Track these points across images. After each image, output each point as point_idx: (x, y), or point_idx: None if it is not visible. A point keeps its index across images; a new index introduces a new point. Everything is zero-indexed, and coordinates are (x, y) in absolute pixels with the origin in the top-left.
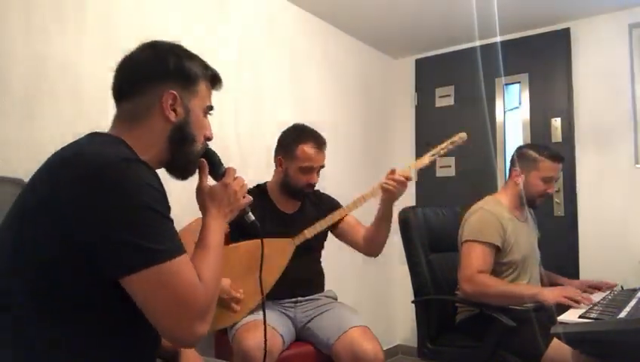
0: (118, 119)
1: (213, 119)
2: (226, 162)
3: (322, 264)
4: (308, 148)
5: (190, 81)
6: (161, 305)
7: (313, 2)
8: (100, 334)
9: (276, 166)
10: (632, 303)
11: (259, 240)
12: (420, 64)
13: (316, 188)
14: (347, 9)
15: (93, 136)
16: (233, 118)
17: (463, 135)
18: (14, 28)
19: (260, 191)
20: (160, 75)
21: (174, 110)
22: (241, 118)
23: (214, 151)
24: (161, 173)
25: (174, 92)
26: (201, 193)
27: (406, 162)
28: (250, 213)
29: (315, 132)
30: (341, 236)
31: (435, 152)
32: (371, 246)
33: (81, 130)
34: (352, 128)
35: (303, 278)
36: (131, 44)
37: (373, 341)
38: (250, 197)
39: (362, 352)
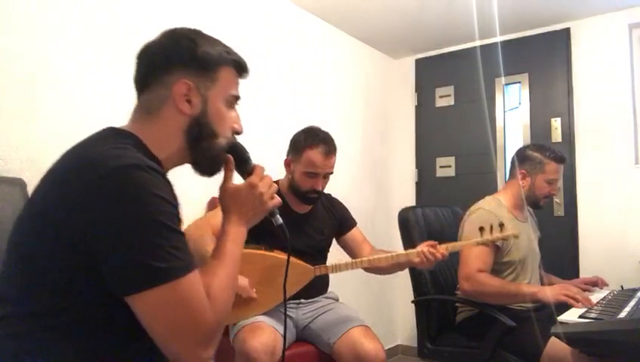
0: (135, 112)
1: None
2: None
3: None
4: (314, 154)
5: (207, 68)
6: (164, 327)
7: (313, 2)
8: (104, 349)
9: (285, 166)
10: (632, 303)
11: (285, 258)
12: (419, 64)
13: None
14: (347, 9)
15: (106, 134)
16: None
17: (517, 234)
18: (14, 27)
19: None
20: (171, 63)
21: (189, 101)
22: (240, 118)
23: (243, 146)
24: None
25: (188, 81)
26: (224, 193)
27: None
28: (278, 216)
29: (327, 138)
30: (344, 247)
31: (484, 241)
32: (371, 271)
33: (81, 130)
34: (352, 128)
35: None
36: (131, 44)
37: (374, 340)
38: (279, 199)
39: (364, 351)
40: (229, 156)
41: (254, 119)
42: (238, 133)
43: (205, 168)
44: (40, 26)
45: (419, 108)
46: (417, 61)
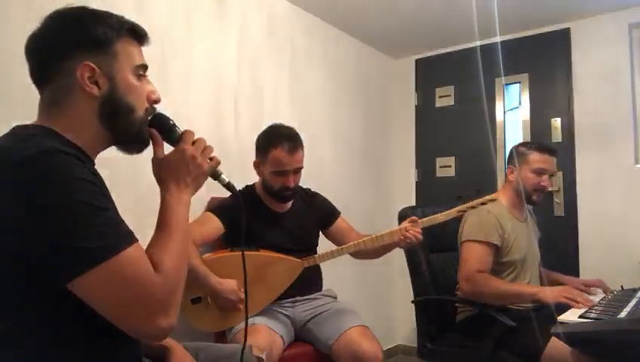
0: (42, 105)
1: (212, 118)
2: (226, 164)
3: (323, 264)
4: (279, 153)
5: (104, 45)
6: (113, 305)
7: (313, 2)
8: (66, 343)
9: (254, 168)
10: (632, 303)
11: (273, 256)
12: (420, 64)
13: (315, 188)
14: (347, 9)
15: (14, 130)
16: (233, 118)
17: (495, 196)
18: (14, 27)
19: (249, 191)
20: (68, 49)
21: (96, 83)
22: (240, 117)
23: (163, 115)
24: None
25: (89, 63)
26: (155, 166)
27: (430, 219)
28: (223, 176)
29: (289, 134)
30: (331, 238)
31: (463, 208)
32: (360, 257)
33: None
34: (352, 128)
35: (300, 278)
36: None
37: (372, 340)
38: (218, 159)
39: (361, 352)
40: (152, 130)
41: (254, 119)
42: (157, 102)
43: (130, 146)
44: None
45: (419, 108)
46: (417, 61)
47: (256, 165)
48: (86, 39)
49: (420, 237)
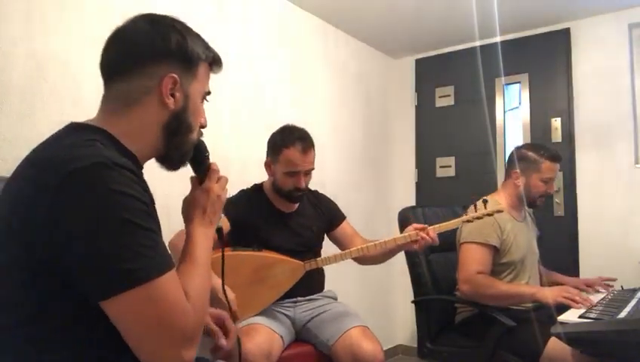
0: (107, 101)
1: (211, 119)
2: (226, 165)
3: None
4: (291, 153)
5: (192, 64)
6: (142, 330)
7: (314, 3)
8: (86, 357)
9: (265, 168)
10: (632, 303)
11: (275, 257)
12: (419, 64)
13: (315, 188)
14: (347, 9)
15: (69, 131)
16: (233, 119)
17: (502, 208)
18: (14, 27)
19: (257, 190)
20: (161, 54)
21: (173, 95)
22: (241, 118)
23: (204, 144)
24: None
25: (175, 75)
26: (184, 202)
27: (436, 221)
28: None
29: (302, 134)
30: (335, 242)
31: (469, 218)
32: (364, 263)
33: None
34: (352, 128)
35: (302, 278)
36: None
37: (372, 341)
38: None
39: (362, 352)
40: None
41: (254, 119)
42: (204, 127)
43: (175, 162)
44: (39, 25)
45: (419, 108)
46: (417, 61)
47: (268, 165)
48: (180, 52)
49: (437, 240)
